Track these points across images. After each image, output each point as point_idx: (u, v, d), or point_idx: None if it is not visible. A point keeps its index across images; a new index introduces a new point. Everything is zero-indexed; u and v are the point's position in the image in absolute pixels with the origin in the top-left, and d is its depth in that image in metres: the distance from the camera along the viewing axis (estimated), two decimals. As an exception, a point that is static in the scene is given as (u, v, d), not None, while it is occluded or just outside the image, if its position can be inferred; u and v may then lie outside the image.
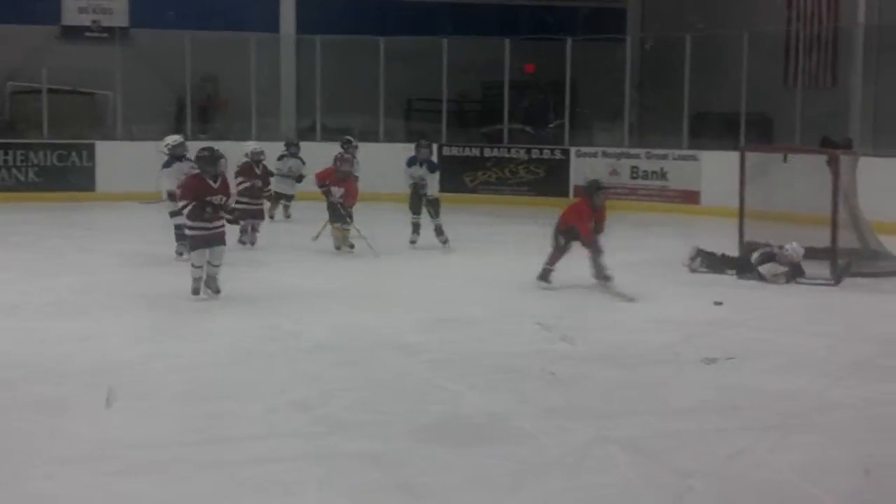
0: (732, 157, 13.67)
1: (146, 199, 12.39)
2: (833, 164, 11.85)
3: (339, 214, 12.85)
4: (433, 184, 13.46)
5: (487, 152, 20.55)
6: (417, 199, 13.51)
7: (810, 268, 11.40)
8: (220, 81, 22.32)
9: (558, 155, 20.01)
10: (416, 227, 13.58)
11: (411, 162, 13.64)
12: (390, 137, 20.93)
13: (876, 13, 18.27)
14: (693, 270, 11.72)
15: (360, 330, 8.72)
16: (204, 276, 9.87)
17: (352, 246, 12.86)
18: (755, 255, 11.62)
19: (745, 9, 20.83)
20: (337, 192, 12.86)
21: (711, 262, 11.81)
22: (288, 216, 16.42)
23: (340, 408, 6.52)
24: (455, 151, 20.60)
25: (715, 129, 19.58)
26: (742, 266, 11.60)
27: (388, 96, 21.08)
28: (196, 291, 9.82)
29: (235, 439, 5.89)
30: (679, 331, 8.84)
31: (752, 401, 6.77)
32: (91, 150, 19.73)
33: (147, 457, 5.55)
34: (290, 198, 16.48)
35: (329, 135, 20.94)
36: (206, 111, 22.41)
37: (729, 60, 19.08)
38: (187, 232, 9.96)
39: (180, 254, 11.63)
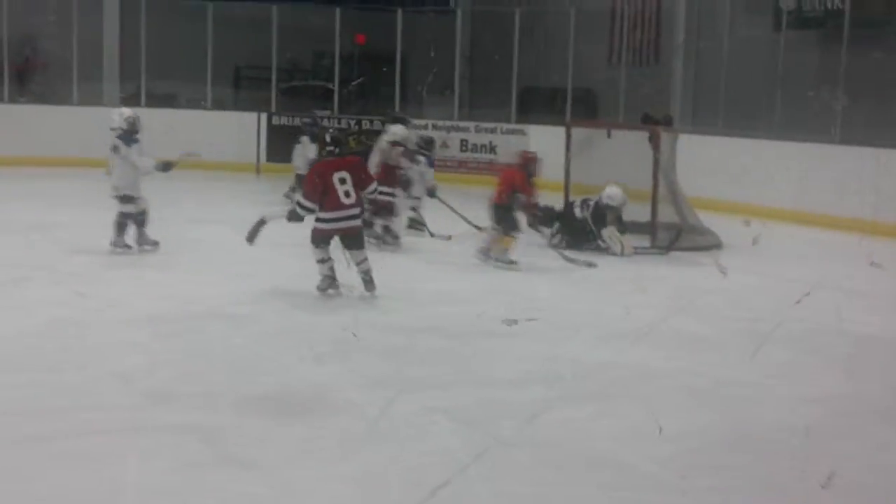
0: (559, 131, 13.94)
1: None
2: (654, 140, 12.22)
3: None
4: None
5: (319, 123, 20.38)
6: None
7: (632, 241, 11.76)
8: (39, 42, 21.51)
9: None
10: None
11: None
12: (218, 105, 20.59)
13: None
14: (554, 247, 11.76)
15: (184, 300, 8.58)
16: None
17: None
18: (577, 203, 11.94)
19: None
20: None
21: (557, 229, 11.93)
22: None
23: (164, 379, 6.41)
24: (284, 121, 20.38)
25: (542, 103, 19.93)
26: (566, 217, 11.86)
27: (216, 63, 20.69)
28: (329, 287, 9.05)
29: (55, 411, 5.73)
30: (506, 302, 8.98)
31: (576, 371, 6.94)
32: None
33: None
34: None
35: (154, 101, 20.46)
36: (23, 74, 21.56)
37: (557, 36, 19.42)
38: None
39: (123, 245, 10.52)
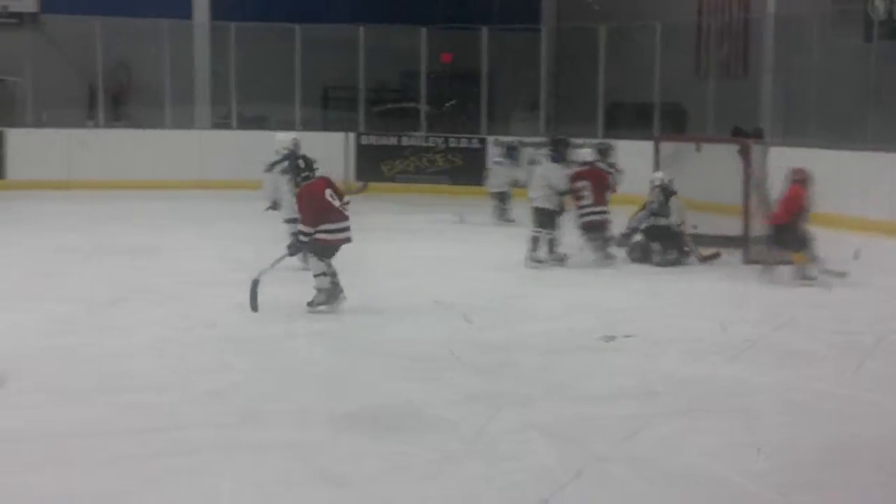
0: (646, 146, 13.84)
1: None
2: (744, 153, 12.06)
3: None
4: None
5: (405, 141, 20.54)
6: None
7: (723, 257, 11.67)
8: (133, 68, 21.96)
9: (475, 144, 20.07)
10: None
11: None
12: (307, 126, 20.82)
13: (786, 3, 18.59)
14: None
15: (276, 320, 8.65)
16: None
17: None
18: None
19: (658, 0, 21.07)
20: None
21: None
22: None
23: (259, 398, 6.47)
24: (373, 140, 20.55)
25: (629, 118, 19.81)
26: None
27: (305, 85, 20.95)
28: None
29: (152, 430, 5.81)
30: (596, 317, 8.94)
31: (668, 386, 6.86)
32: (0, 137, 19.33)
33: (60, 448, 5.46)
34: None
35: (245, 123, 20.80)
36: (118, 98, 22.04)
37: (643, 51, 19.29)
38: None
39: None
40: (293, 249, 8.99)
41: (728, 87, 18.90)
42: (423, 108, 21.22)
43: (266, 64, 20.61)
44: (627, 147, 17.84)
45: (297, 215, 10.18)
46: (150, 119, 20.77)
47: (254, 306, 8.62)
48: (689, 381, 7.01)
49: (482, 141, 20.00)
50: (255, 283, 8.65)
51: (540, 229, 11.43)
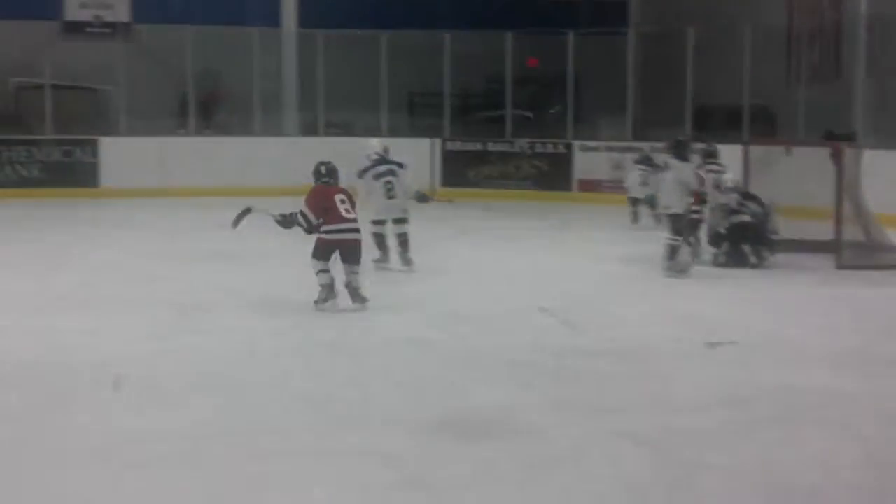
0: (736, 150, 13.67)
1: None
2: (837, 157, 11.85)
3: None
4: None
5: (491, 146, 20.56)
6: None
7: (815, 260, 11.49)
8: (223, 76, 22.31)
9: (561, 149, 20.03)
10: None
11: None
12: (393, 132, 20.95)
13: (878, 3, 18.24)
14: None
15: (367, 325, 8.72)
16: None
17: None
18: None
19: (747, 2, 20.82)
20: None
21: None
22: None
23: (348, 403, 6.52)
24: (458, 146, 20.61)
25: (717, 122, 19.58)
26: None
27: (391, 91, 21.10)
28: None
29: (243, 435, 5.88)
30: (685, 323, 8.86)
31: (759, 394, 6.76)
32: (94, 145, 19.77)
33: (153, 452, 5.54)
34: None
35: (331, 130, 21.01)
36: (208, 106, 22.41)
37: (731, 53, 19.06)
38: None
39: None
40: (285, 222, 9.50)
41: (819, 89, 18.60)
42: (529, 114, 21.24)
43: (352, 71, 20.79)
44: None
45: (382, 217, 11.07)
46: (238, 126, 21.08)
47: (235, 225, 9.57)
48: (785, 390, 6.90)
49: (568, 146, 19.94)
50: (247, 211, 9.51)
51: (677, 237, 11.14)
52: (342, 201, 9.27)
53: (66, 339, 8.15)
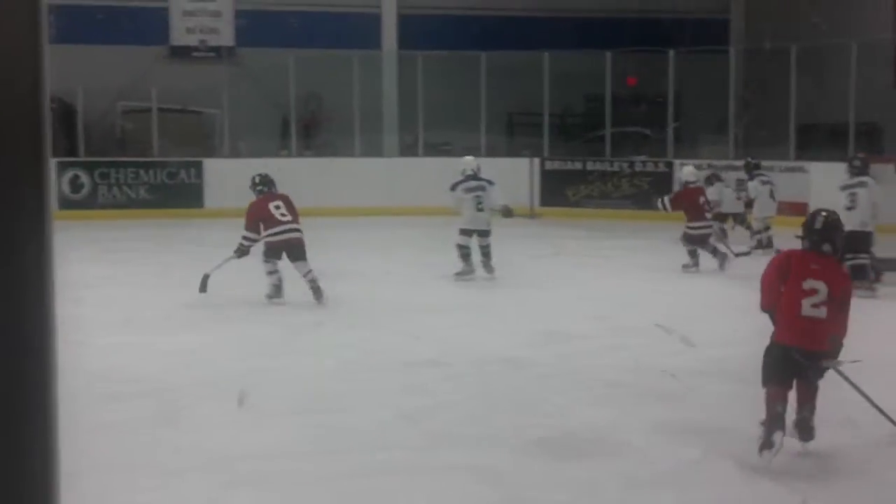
0: (841, 168, 13.40)
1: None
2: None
3: None
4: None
5: (590, 165, 20.48)
6: None
7: None
8: (324, 98, 22.60)
9: (662, 168, 19.86)
10: None
11: None
12: (492, 152, 21.00)
13: None
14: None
15: (467, 343, 8.74)
16: None
17: None
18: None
19: (851, 17, 20.45)
20: None
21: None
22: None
23: (449, 421, 6.53)
24: (557, 165, 20.57)
25: (822, 139, 19.24)
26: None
27: (490, 111, 21.16)
28: None
29: (344, 452, 5.93)
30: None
31: (869, 415, 6.59)
32: (199, 167, 20.14)
33: (256, 469, 5.62)
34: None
35: (430, 150, 21.13)
36: (309, 128, 22.72)
37: (836, 70, 18.73)
38: None
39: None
40: (240, 252, 10.74)
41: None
42: (648, 132, 21.14)
43: (451, 91, 20.89)
44: (821, 169, 17.41)
45: (469, 227, 12.05)
46: (339, 147, 21.32)
47: (202, 289, 10.51)
48: (891, 411, 6.72)
49: (669, 165, 19.76)
50: (206, 277, 10.52)
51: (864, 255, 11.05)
52: (276, 207, 10.50)
53: (173, 356, 8.31)
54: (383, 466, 5.66)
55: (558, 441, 6.12)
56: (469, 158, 12.97)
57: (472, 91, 20.95)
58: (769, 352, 5.85)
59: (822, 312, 5.75)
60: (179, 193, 19.95)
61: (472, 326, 9.49)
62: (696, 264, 12.65)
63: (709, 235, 12.86)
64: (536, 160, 20.53)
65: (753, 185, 14.76)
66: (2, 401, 0.89)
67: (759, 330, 9.27)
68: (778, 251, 10.98)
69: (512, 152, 21.42)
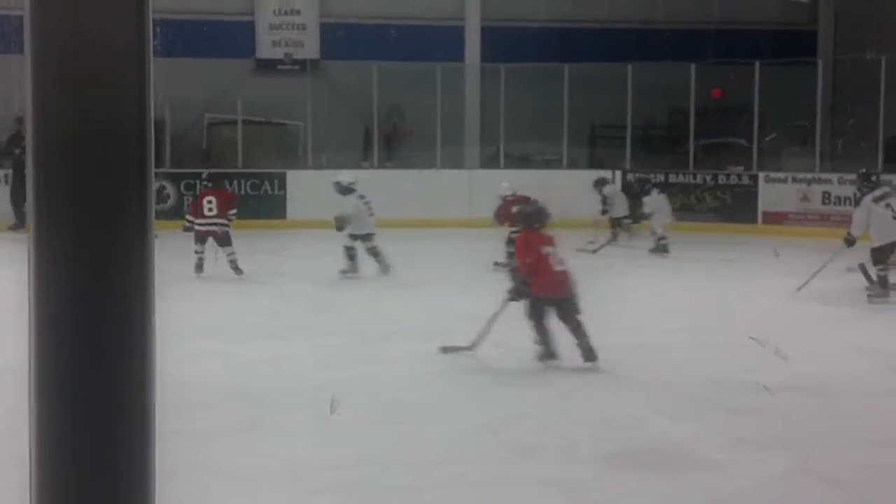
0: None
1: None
2: None
3: None
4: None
5: (672, 178, 20.31)
6: None
7: None
8: (406, 110, 22.71)
9: (746, 180, 19.63)
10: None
11: None
12: (573, 164, 20.95)
13: None
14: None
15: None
16: None
17: None
18: None
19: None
20: None
21: None
22: None
23: (527, 432, 6.53)
24: (640, 177, 20.43)
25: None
26: None
27: (572, 123, 21.09)
28: None
29: (422, 462, 5.96)
30: (879, 360, 8.54)
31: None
32: (282, 178, 20.35)
33: (336, 478, 5.67)
34: None
35: (511, 162, 21.12)
36: (391, 140, 22.84)
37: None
38: None
39: None
40: (185, 228, 13.38)
41: None
42: (746, 142, 20.93)
43: (534, 103, 20.86)
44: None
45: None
46: (420, 159, 21.39)
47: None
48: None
49: (753, 178, 19.53)
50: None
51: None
52: (208, 202, 13.16)
53: (255, 365, 8.41)
54: (462, 478, 5.68)
55: (639, 454, 6.09)
56: (350, 172, 14.75)
57: (554, 103, 20.89)
58: None
59: None
60: (263, 204, 20.16)
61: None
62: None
63: None
64: (618, 172, 20.41)
65: (649, 199, 16.04)
66: (104, 402, 0.93)
67: (846, 346, 9.19)
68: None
69: (593, 164, 21.33)
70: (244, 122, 21.01)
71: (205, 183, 14.11)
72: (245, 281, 13.32)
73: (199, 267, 13.15)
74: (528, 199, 13.32)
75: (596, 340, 9.11)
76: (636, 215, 16.58)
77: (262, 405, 7.21)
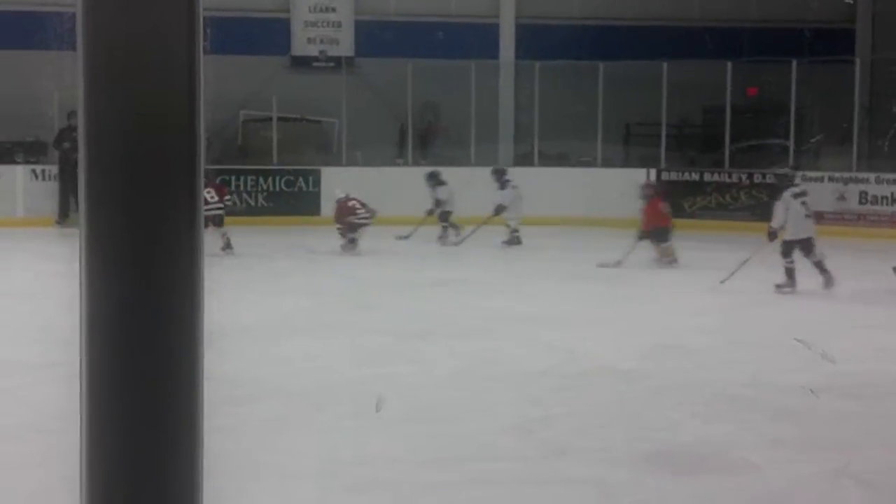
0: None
1: None
2: None
3: None
4: None
5: (707, 177, 20.22)
6: None
7: None
8: (441, 108, 22.72)
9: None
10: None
11: None
12: (608, 163, 20.89)
13: None
14: None
15: (580, 355, 8.70)
16: None
17: None
18: None
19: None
20: None
21: None
22: None
23: (561, 433, 6.51)
24: (674, 176, 20.35)
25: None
26: None
27: (607, 121, 21.02)
28: None
29: (457, 460, 5.95)
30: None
31: None
32: (317, 175, 20.39)
33: (370, 475, 5.67)
34: None
35: (546, 160, 21.09)
36: (426, 137, 22.84)
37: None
38: None
39: None
40: None
41: None
42: (786, 143, 20.81)
43: (568, 101, 20.80)
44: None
45: None
46: (455, 156, 21.38)
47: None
48: None
49: (789, 177, 19.38)
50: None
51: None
52: (208, 192, 13.79)
53: (290, 362, 8.44)
54: (496, 476, 5.67)
55: (672, 455, 6.06)
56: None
57: (589, 101, 20.82)
58: None
59: None
60: (297, 201, 20.23)
61: (584, 338, 9.44)
62: (352, 242, 15.34)
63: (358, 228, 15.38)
64: (653, 171, 20.33)
65: (503, 193, 17.07)
66: (153, 397, 0.93)
67: (883, 348, 9.10)
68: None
69: (628, 163, 21.25)
70: (279, 119, 21.09)
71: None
72: (280, 277, 13.39)
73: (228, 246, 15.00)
74: (358, 200, 15.69)
75: (629, 343, 9.12)
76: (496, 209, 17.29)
77: (296, 402, 7.23)
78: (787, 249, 12.09)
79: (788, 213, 12.25)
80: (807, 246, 12.03)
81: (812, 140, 20.41)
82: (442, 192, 17.43)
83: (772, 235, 12.31)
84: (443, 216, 17.31)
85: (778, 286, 11.91)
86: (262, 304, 11.27)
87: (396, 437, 6.42)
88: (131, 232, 0.91)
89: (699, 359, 8.62)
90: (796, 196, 12.45)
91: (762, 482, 5.58)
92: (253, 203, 20.30)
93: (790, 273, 11.98)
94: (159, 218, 0.91)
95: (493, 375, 8.04)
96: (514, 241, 16.49)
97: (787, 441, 6.31)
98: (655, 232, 14.09)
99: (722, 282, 12.04)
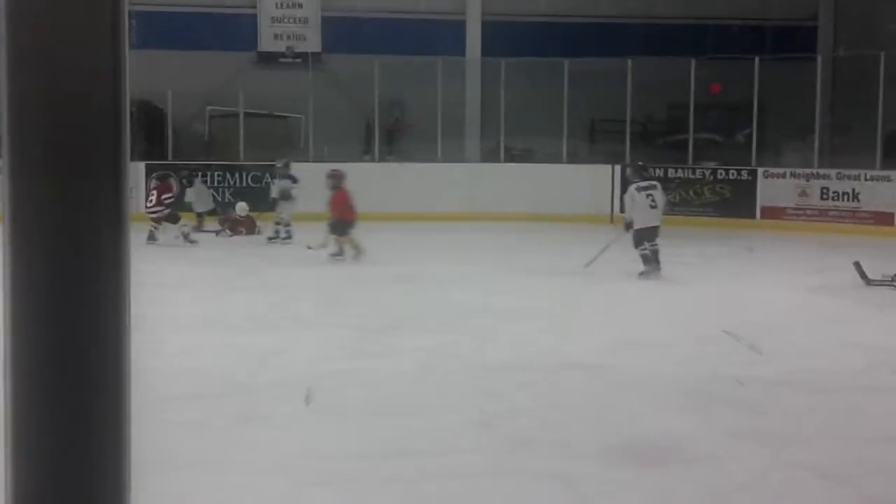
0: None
1: None
2: None
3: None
4: None
5: (672, 173, 20.32)
6: None
7: None
8: (407, 104, 22.73)
9: (745, 175, 19.64)
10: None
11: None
12: (573, 159, 20.95)
13: None
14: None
15: (543, 349, 8.74)
16: None
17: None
18: None
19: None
20: None
21: None
22: None
23: (524, 426, 6.54)
24: (639, 172, 20.42)
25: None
26: None
27: (572, 118, 21.10)
28: None
29: (419, 454, 5.97)
30: (872, 355, 8.55)
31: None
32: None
33: (331, 469, 5.68)
34: None
35: (512, 157, 21.15)
36: (392, 133, 22.85)
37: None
38: None
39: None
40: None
41: None
42: (717, 138, 20.94)
43: (534, 98, 20.87)
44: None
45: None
46: (421, 153, 21.40)
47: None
48: None
49: (752, 173, 19.54)
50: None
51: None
52: (151, 195, 15.98)
53: (253, 357, 8.42)
54: (458, 470, 5.69)
55: (636, 449, 6.09)
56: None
57: (554, 97, 20.89)
58: None
59: None
60: (263, 197, 20.16)
61: (548, 332, 9.49)
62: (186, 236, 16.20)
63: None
64: (618, 167, 20.41)
65: (191, 190, 18.00)
66: (77, 396, 0.94)
67: (838, 340, 9.19)
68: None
69: (593, 159, 21.34)
70: (246, 114, 21.03)
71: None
72: (246, 272, 13.35)
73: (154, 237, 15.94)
74: (250, 218, 17.09)
75: (593, 338, 9.17)
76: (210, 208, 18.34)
77: (258, 397, 7.23)
78: (639, 239, 12.68)
79: (634, 205, 12.86)
80: (651, 234, 12.66)
81: (742, 133, 20.59)
82: (191, 193, 18.10)
83: (627, 226, 12.89)
84: (198, 216, 18.02)
85: (641, 273, 12.46)
86: (227, 298, 11.24)
87: (358, 431, 6.43)
88: (56, 229, 0.91)
89: (662, 353, 8.67)
90: (640, 190, 12.92)
91: (724, 474, 5.63)
92: (219, 199, 20.21)
93: (646, 259, 12.59)
94: (84, 214, 0.92)
95: (456, 370, 8.06)
96: (280, 234, 16.81)
97: (748, 434, 6.36)
98: (337, 224, 14.11)
99: (586, 265, 12.79)
